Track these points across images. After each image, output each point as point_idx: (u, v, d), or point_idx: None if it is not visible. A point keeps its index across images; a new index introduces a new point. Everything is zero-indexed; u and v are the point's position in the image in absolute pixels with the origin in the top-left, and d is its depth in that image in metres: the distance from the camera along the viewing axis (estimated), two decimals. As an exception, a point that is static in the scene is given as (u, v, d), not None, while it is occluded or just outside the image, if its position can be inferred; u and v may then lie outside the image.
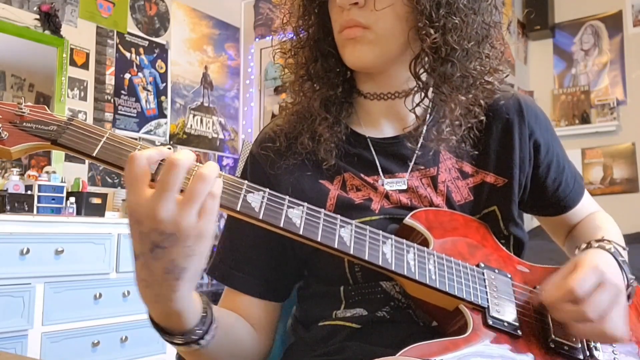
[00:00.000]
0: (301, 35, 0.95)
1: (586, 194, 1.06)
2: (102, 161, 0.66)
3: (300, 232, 0.70)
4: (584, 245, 0.89)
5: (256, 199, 0.69)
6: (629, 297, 0.85)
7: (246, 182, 0.70)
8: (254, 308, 0.92)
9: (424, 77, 0.90)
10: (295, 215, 0.71)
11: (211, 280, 4.14)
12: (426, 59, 0.86)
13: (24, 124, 0.67)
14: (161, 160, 0.64)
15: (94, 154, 0.65)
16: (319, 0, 0.91)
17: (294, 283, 0.97)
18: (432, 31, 0.83)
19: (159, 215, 0.60)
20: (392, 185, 0.90)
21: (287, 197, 0.72)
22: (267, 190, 0.71)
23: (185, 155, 0.61)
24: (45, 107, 0.70)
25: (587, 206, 1.05)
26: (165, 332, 0.71)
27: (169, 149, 0.66)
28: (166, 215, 0.60)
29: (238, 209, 0.68)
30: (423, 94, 0.90)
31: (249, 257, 0.92)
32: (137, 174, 0.61)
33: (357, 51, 0.86)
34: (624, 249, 0.90)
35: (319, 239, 0.71)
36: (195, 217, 0.61)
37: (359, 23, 0.85)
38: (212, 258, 0.96)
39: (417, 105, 0.90)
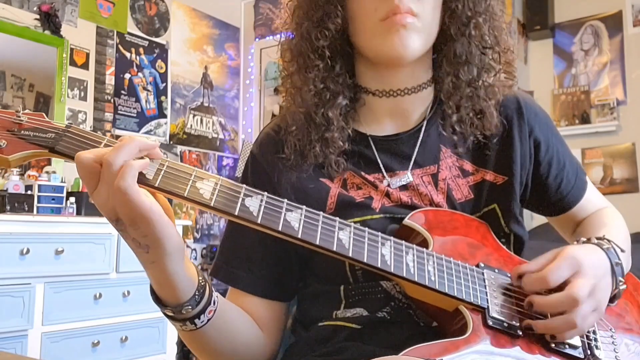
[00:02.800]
0: (307, 37, 0.92)
1: (593, 189, 1.05)
2: None
3: (299, 236, 0.70)
4: (583, 240, 0.89)
5: (254, 202, 0.69)
6: (613, 299, 0.85)
7: (244, 186, 0.70)
8: (259, 308, 0.91)
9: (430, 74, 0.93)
10: (294, 219, 0.71)
11: (211, 280, 4.14)
12: (456, 44, 0.90)
13: (22, 132, 0.68)
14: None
15: None
16: None
17: (298, 282, 0.97)
18: (468, 13, 0.88)
19: (99, 206, 0.66)
20: (396, 182, 0.90)
21: (285, 200, 0.72)
22: (265, 193, 0.71)
23: (83, 155, 0.65)
24: (44, 114, 0.70)
25: (594, 202, 1.05)
26: (160, 302, 0.75)
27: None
28: (101, 205, 0.66)
29: (236, 213, 0.68)
30: (438, 87, 0.93)
31: (251, 257, 0.92)
32: (82, 174, 0.66)
33: (406, 39, 0.85)
34: (622, 250, 0.89)
35: (317, 242, 0.71)
36: (121, 204, 0.65)
37: (411, 10, 0.84)
38: (215, 259, 0.96)
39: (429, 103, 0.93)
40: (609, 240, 0.88)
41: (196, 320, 0.76)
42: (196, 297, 0.75)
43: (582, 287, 0.77)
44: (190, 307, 0.74)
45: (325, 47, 0.90)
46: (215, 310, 0.78)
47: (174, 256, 0.70)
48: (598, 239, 0.89)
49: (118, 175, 0.64)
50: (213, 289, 0.79)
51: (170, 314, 0.75)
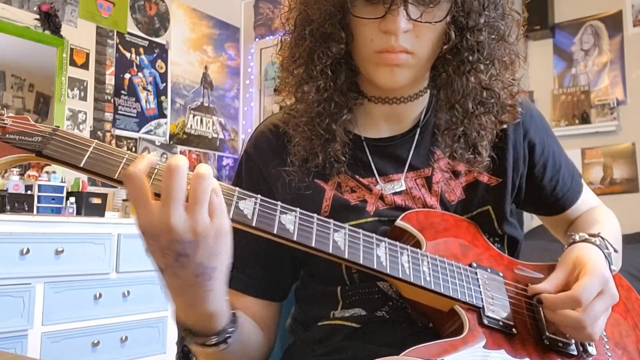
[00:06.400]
0: (311, 48, 0.88)
1: (586, 189, 1.06)
2: (90, 172, 0.65)
3: (294, 238, 0.70)
4: (582, 236, 0.89)
5: (248, 205, 0.69)
6: None
7: (238, 189, 0.69)
8: (256, 308, 0.92)
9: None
10: (289, 221, 0.70)
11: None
12: (455, 81, 0.86)
13: (7, 135, 0.65)
14: (152, 169, 0.65)
15: (81, 165, 0.64)
16: (339, 17, 0.84)
17: (292, 282, 0.97)
18: (470, 58, 0.84)
19: (174, 225, 0.60)
20: (388, 188, 0.90)
21: (279, 203, 0.71)
22: (259, 196, 0.70)
23: (181, 160, 0.62)
24: (28, 117, 0.68)
25: (587, 201, 1.05)
26: (198, 335, 0.72)
27: (163, 155, 0.65)
28: (180, 224, 0.61)
29: (231, 216, 0.67)
30: (432, 100, 0.91)
31: (246, 258, 0.92)
32: (139, 191, 0.61)
33: (395, 75, 0.83)
34: (615, 251, 0.90)
35: (313, 245, 0.71)
36: (207, 217, 0.62)
37: (406, 49, 0.82)
38: None
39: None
40: (603, 239, 0.89)
41: (229, 340, 0.73)
42: (232, 316, 0.73)
43: (601, 305, 0.78)
44: (231, 329, 0.72)
45: (328, 64, 0.87)
46: (239, 325, 0.76)
47: (225, 277, 0.68)
48: (600, 238, 0.88)
49: (218, 191, 0.64)
50: None
51: (213, 342, 0.72)
